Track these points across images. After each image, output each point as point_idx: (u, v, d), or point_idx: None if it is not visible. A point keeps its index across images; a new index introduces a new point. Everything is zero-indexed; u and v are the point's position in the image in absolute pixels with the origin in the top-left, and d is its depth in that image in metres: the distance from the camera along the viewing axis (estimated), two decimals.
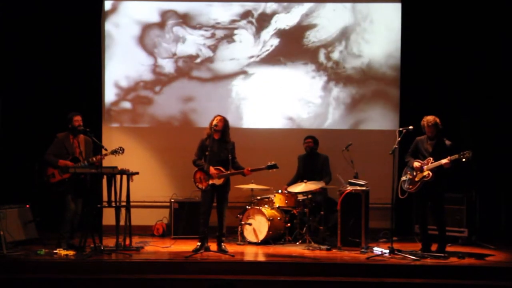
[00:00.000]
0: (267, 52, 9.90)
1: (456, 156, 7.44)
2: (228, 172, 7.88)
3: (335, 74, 9.88)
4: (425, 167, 7.68)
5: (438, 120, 7.75)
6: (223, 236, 8.03)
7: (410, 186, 7.78)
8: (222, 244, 7.98)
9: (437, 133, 7.76)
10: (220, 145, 7.92)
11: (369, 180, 8.41)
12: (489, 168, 9.24)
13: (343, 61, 9.86)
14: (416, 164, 7.75)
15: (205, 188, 7.87)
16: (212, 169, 7.82)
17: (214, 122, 7.86)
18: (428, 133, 7.78)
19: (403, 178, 7.91)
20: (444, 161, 7.52)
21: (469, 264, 7.39)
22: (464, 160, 7.42)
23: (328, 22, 9.87)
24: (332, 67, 9.87)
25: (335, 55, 9.87)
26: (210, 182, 7.83)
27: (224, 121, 7.92)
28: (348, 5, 9.86)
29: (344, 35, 9.86)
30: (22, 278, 7.05)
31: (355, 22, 9.85)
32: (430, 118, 7.77)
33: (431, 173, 7.62)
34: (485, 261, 7.59)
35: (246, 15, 9.91)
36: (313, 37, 9.89)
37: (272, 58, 9.90)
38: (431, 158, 7.67)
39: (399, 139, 7.76)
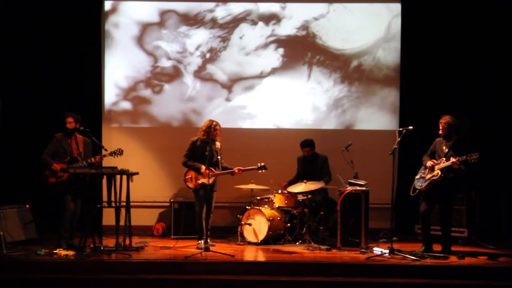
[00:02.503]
0: (267, 52, 9.90)
1: (464, 157, 7.46)
2: (219, 172, 8.18)
3: (335, 74, 9.87)
4: (436, 166, 7.70)
5: (453, 120, 7.76)
6: (208, 231, 8.10)
7: (420, 184, 7.81)
8: (208, 239, 8.00)
9: (449, 133, 7.78)
10: (212, 148, 8.19)
11: (369, 180, 8.40)
12: (489, 168, 9.24)
13: (343, 61, 9.86)
14: (429, 163, 7.79)
15: (195, 188, 8.22)
16: (204, 169, 8.06)
17: (216, 130, 8.19)
18: (440, 130, 7.81)
19: (417, 176, 7.93)
20: (452, 160, 7.55)
21: (469, 264, 7.39)
22: (471, 162, 7.43)
23: (328, 22, 9.87)
24: (331, 67, 9.87)
25: (335, 54, 9.87)
26: (201, 181, 8.13)
27: (219, 126, 8.28)
28: (348, 5, 9.86)
29: (344, 35, 9.86)
30: (22, 278, 7.04)
31: (355, 22, 9.84)
32: (445, 116, 7.82)
33: (440, 172, 7.64)
34: (485, 261, 7.59)
35: (245, 15, 9.91)
36: (312, 37, 9.88)
37: (272, 58, 9.90)
38: (444, 159, 7.70)
39: (399, 139, 7.77)
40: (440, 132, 7.82)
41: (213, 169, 8.18)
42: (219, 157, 8.17)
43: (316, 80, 9.88)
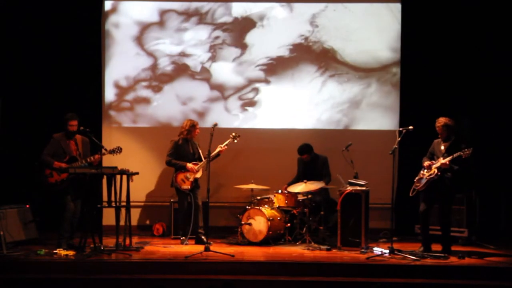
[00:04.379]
0: (269, 54, 9.89)
1: (457, 153, 7.47)
2: (204, 161, 8.50)
3: (335, 74, 9.87)
4: (433, 166, 7.72)
5: (450, 122, 7.78)
6: (200, 228, 8.39)
7: (418, 184, 7.82)
8: (203, 236, 8.25)
9: (448, 134, 7.80)
10: (192, 145, 8.68)
11: (369, 180, 8.40)
12: (489, 168, 9.24)
13: (343, 61, 9.86)
14: (426, 163, 7.81)
15: (191, 187, 8.49)
16: (190, 165, 8.52)
17: (196, 128, 8.66)
18: (439, 134, 7.84)
19: (416, 178, 7.93)
20: (441, 161, 7.59)
21: (469, 264, 7.39)
22: (464, 157, 7.44)
23: (328, 22, 9.87)
24: (331, 67, 9.87)
25: (336, 55, 9.86)
26: (192, 178, 8.47)
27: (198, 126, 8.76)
28: (348, 5, 9.85)
29: (344, 35, 9.85)
30: (22, 278, 7.04)
31: (356, 23, 9.84)
32: (440, 119, 7.85)
33: (436, 171, 7.66)
34: (485, 261, 7.59)
35: (247, 15, 9.90)
36: (313, 37, 9.88)
37: (272, 58, 9.89)
38: (441, 158, 7.71)
39: (399, 139, 7.78)
40: (439, 136, 7.84)
41: (197, 164, 8.56)
42: (200, 151, 8.61)
43: (316, 82, 9.88)
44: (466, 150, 7.43)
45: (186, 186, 8.50)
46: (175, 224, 8.99)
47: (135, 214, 8.55)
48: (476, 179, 9.11)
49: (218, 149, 8.54)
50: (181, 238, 8.49)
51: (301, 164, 9.15)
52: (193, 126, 8.63)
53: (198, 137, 8.80)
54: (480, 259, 7.66)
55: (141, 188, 9.23)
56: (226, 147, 8.59)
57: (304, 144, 8.97)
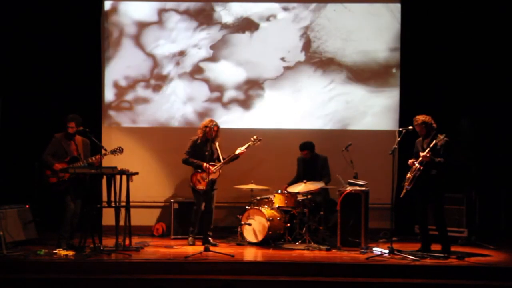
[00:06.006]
0: (267, 52, 9.89)
1: (433, 142, 7.52)
2: (222, 162, 8.40)
3: (335, 74, 9.87)
4: (416, 162, 7.71)
5: (427, 119, 7.79)
6: (210, 230, 8.31)
7: (405, 183, 7.81)
8: (210, 238, 8.19)
9: (427, 132, 7.80)
10: (211, 145, 8.41)
11: (369, 180, 8.40)
12: (489, 168, 9.24)
13: (343, 61, 9.86)
14: (410, 161, 7.80)
15: (206, 188, 8.28)
16: (206, 165, 8.25)
17: (212, 129, 8.36)
18: (418, 132, 7.85)
19: (406, 178, 7.94)
20: (421, 154, 7.59)
21: (469, 264, 7.39)
22: (439, 144, 7.48)
23: (328, 22, 9.87)
24: (331, 66, 9.87)
25: (335, 55, 9.86)
26: (208, 179, 8.23)
27: (218, 127, 8.46)
28: (348, 5, 9.85)
29: (344, 35, 9.85)
30: (22, 278, 7.05)
31: (355, 22, 9.84)
32: (417, 117, 7.85)
33: (418, 165, 7.64)
34: (485, 261, 7.59)
35: (247, 15, 9.90)
36: (313, 37, 9.88)
37: (271, 59, 9.90)
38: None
39: (399, 139, 7.78)
40: (419, 134, 7.85)
41: (214, 165, 8.39)
42: (219, 152, 8.40)
43: (316, 82, 9.88)
44: (439, 136, 7.46)
45: (201, 187, 8.42)
46: (175, 224, 8.98)
47: (135, 214, 8.53)
48: (476, 179, 9.10)
49: (237, 152, 8.45)
50: (189, 238, 8.48)
51: (300, 164, 9.15)
52: (206, 126, 8.45)
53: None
54: (480, 259, 7.66)
55: (141, 188, 9.21)
56: (245, 150, 8.51)
57: (307, 141, 8.99)
